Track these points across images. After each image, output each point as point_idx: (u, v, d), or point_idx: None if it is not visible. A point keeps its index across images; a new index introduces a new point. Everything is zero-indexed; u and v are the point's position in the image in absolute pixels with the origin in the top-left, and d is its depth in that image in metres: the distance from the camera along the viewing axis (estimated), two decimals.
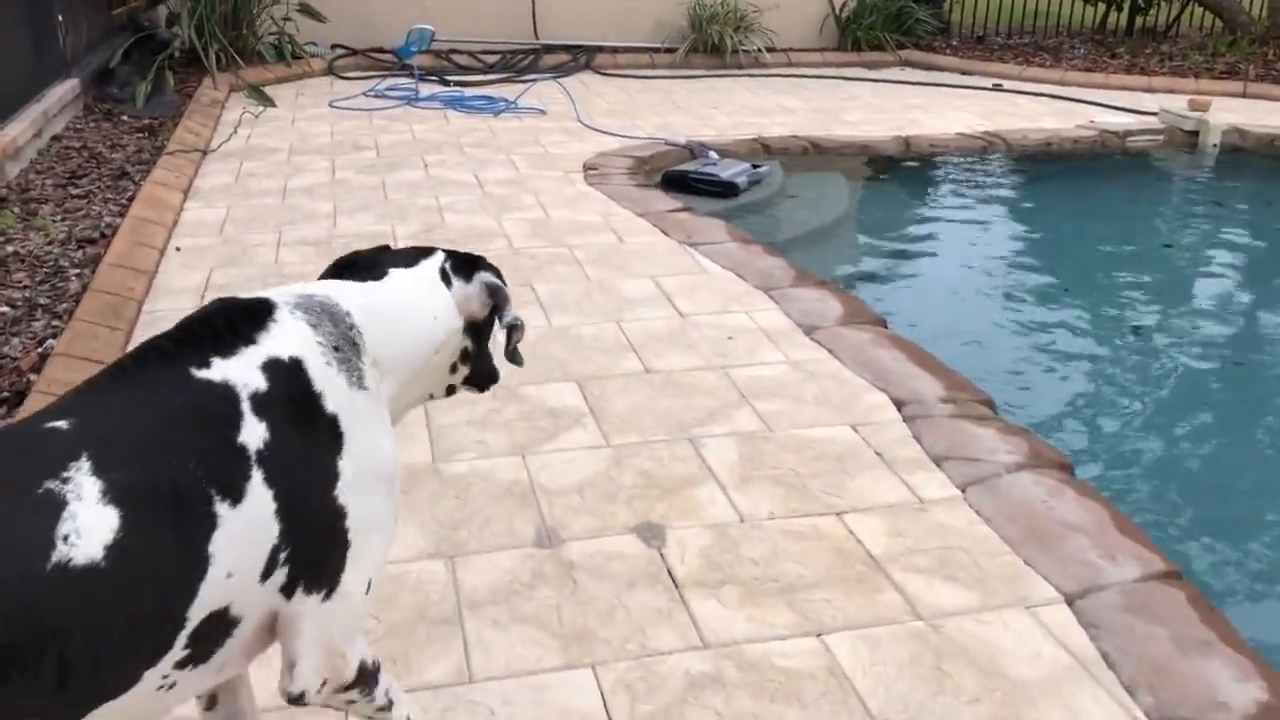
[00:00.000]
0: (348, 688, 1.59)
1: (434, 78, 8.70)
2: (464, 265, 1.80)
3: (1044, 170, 7.04)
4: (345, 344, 1.54)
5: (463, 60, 9.28)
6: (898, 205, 6.52)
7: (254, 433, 1.38)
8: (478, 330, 1.82)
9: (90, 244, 4.54)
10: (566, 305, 4.16)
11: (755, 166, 6.20)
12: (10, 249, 4.43)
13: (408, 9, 9.36)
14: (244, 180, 5.76)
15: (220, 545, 1.32)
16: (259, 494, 1.37)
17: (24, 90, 5.96)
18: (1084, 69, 9.74)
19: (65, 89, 6.44)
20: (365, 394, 1.54)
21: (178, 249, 4.70)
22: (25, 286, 4.08)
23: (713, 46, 9.73)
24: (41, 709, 1.19)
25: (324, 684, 1.54)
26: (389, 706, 1.68)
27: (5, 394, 3.27)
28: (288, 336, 1.48)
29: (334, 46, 9.21)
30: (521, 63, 9.34)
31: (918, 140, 7.15)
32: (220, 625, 1.37)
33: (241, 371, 1.41)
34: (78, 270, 4.26)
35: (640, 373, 3.60)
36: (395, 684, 1.70)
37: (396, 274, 1.73)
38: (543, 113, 7.64)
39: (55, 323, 3.78)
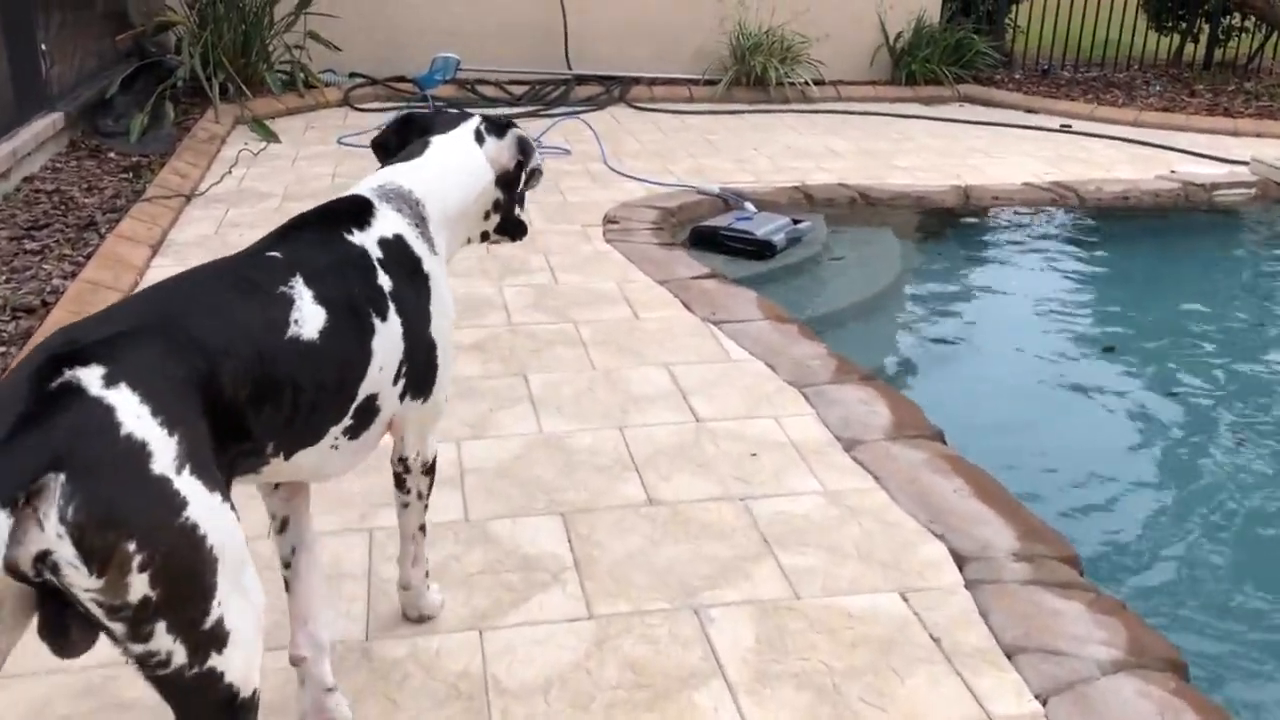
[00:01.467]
0: (426, 472, 2.26)
1: (455, 111, 8.11)
2: (494, 128, 2.29)
3: (1121, 228, 6.30)
4: (419, 220, 2.09)
5: (489, 91, 8.70)
6: (956, 270, 5.81)
7: (385, 280, 1.94)
8: (508, 182, 2.30)
9: (27, 314, 3.98)
10: (563, 403, 3.51)
11: (795, 222, 5.53)
12: None
13: (435, 35, 8.80)
14: (225, 232, 5.19)
15: (377, 346, 1.90)
16: (394, 319, 1.94)
17: None
18: (1160, 108, 8.97)
19: (44, 124, 5.92)
20: (437, 258, 2.11)
21: None
22: None
23: (756, 79, 9.08)
24: (276, 437, 1.72)
25: (417, 456, 2.23)
26: (424, 532, 2.37)
27: None
28: (389, 221, 2.03)
29: (352, 75, 8.67)
30: (551, 94, 8.74)
31: (979, 191, 6.44)
32: (370, 409, 1.92)
33: (369, 241, 1.97)
34: (3, 349, 3.69)
35: (641, 504, 2.94)
36: None
37: (437, 142, 2.23)
38: (567, 152, 7.03)
39: None
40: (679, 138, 7.64)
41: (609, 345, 3.99)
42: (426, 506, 2.32)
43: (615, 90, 8.92)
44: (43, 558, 1.32)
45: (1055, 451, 3.87)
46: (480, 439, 3.28)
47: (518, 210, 2.35)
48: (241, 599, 1.52)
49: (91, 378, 1.39)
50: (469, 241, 2.33)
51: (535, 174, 2.36)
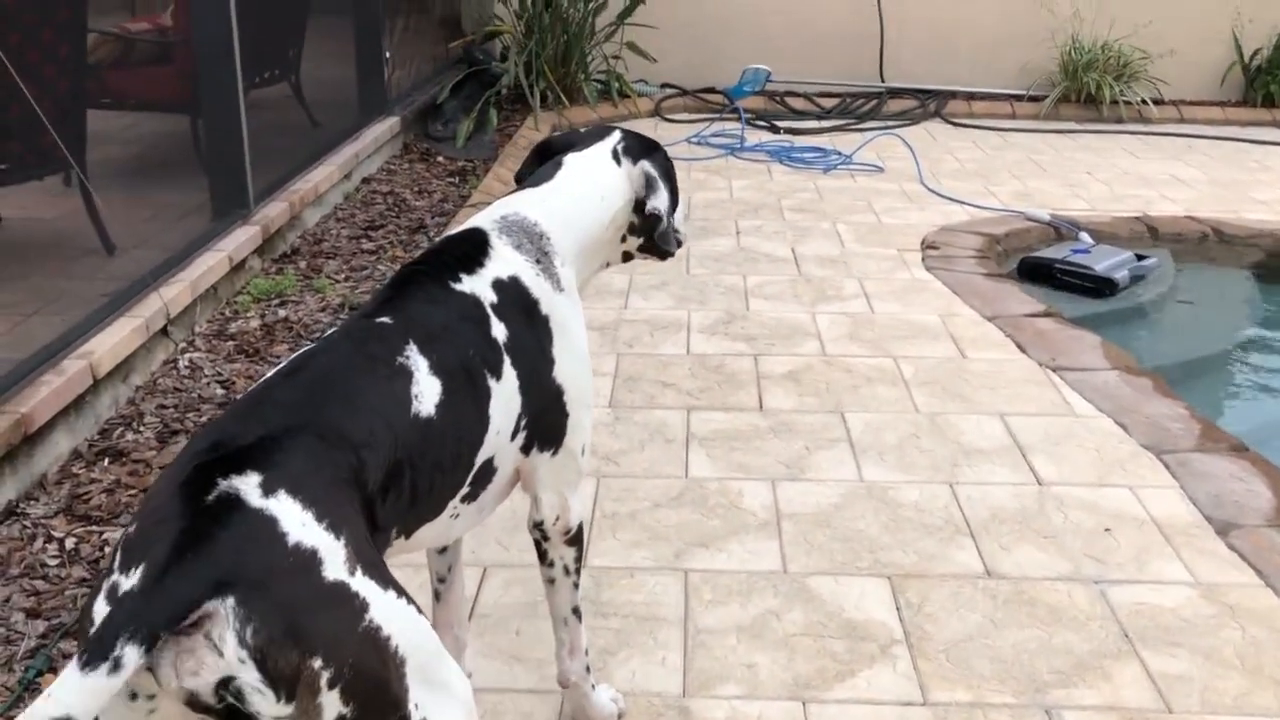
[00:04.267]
0: (569, 541, 2.01)
1: (763, 123, 8.00)
2: (634, 149, 2.09)
3: None
4: (543, 256, 1.90)
5: (798, 104, 8.51)
6: None
7: (500, 330, 1.78)
8: (642, 211, 2.09)
9: None
10: (884, 450, 3.27)
11: (1140, 258, 5.01)
12: (282, 313, 4.11)
13: (748, 47, 8.71)
14: None
15: (493, 409, 1.75)
16: (510, 374, 1.78)
17: (338, 134, 5.78)
18: None
19: (383, 128, 6.25)
20: (563, 294, 1.92)
21: None
22: (279, 361, 3.70)
23: (1088, 96, 8.41)
24: (400, 521, 1.58)
25: (556, 520, 1.98)
26: (580, 616, 2.07)
27: None
28: (504, 260, 1.85)
29: (664, 85, 8.72)
30: (862, 108, 8.45)
31: None
32: (488, 471, 1.79)
33: (481, 287, 1.80)
34: None
35: (979, 575, 2.66)
36: None
37: (570, 161, 2.05)
38: (880, 170, 6.73)
39: None
40: (1001, 157, 7.17)
41: (934, 386, 3.70)
42: (577, 585, 2.05)
43: (931, 105, 8.51)
44: (225, 684, 1.21)
45: None
46: (796, 481, 3.10)
47: (666, 225, 2.08)
48: (443, 696, 1.39)
49: (249, 487, 1.29)
50: (607, 265, 2.15)
51: (655, 220, 2.06)
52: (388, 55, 6.53)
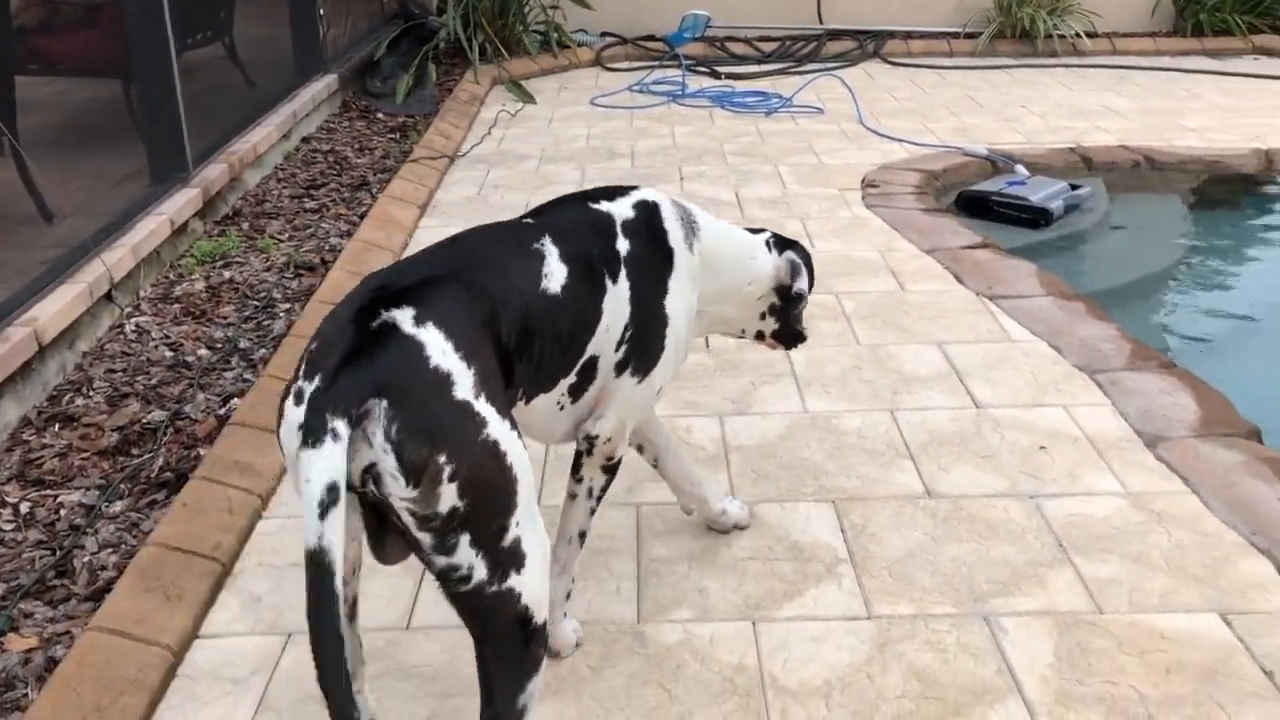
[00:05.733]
0: (606, 469, 2.18)
1: (704, 69, 8.00)
2: (781, 243, 2.43)
3: None
4: (685, 221, 2.18)
5: (738, 49, 8.53)
6: (1254, 244, 5.23)
7: (624, 244, 2.05)
8: (785, 296, 2.41)
9: (308, 271, 4.16)
10: (828, 382, 3.36)
11: (1073, 187, 5.12)
12: (227, 275, 4.11)
13: None
14: (487, 193, 5.28)
15: (606, 305, 1.99)
16: (624, 281, 2.02)
17: (275, 94, 5.73)
18: None
19: (321, 86, 6.20)
20: (690, 256, 2.16)
21: None
22: (230, 324, 3.72)
23: (1022, 31, 8.51)
24: (526, 380, 1.85)
25: (607, 441, 2.12)
26: (592, 518, 2.24)
27: (167, 474, 2.84)
28: (649, 192, 2.16)
29: (603, 35, 8.69)
30: (802, 50, 8.49)
31: None
32: (590, 371, 2.01)
33: (619, 208, 2.10)
34: (287, 305, 3.87)
35: (919, 495, 2.76)
36: None
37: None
38: (820, 112, 6.79)
39: (248, 375, 3.37)
40: (939, 95, 7.25)
41: (874, 320, 3.79)
42: (593, 512, 2.21)
43: (869, 45, 8.56)
44: (369, 469, 1.51)
45: None
46: (743, 415, 3.18)
47: (795, 323, 2.47)
48: (534, 529, 1.66)
49: (405, 318, 1.59)
50: (742, 334, 2.46)
51: (797, 299, 2.40)
52: (322, 12, 6.45)
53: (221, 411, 3.15)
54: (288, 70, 6.11)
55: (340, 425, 1.46)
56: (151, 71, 4.33)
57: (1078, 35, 8.44)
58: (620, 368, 2.06)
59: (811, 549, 2.57)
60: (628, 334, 2.03)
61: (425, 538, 1.55)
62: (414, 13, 7.98)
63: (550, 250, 1.91)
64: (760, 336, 2.47)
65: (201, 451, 2.93)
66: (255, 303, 3.88)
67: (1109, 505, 2.70)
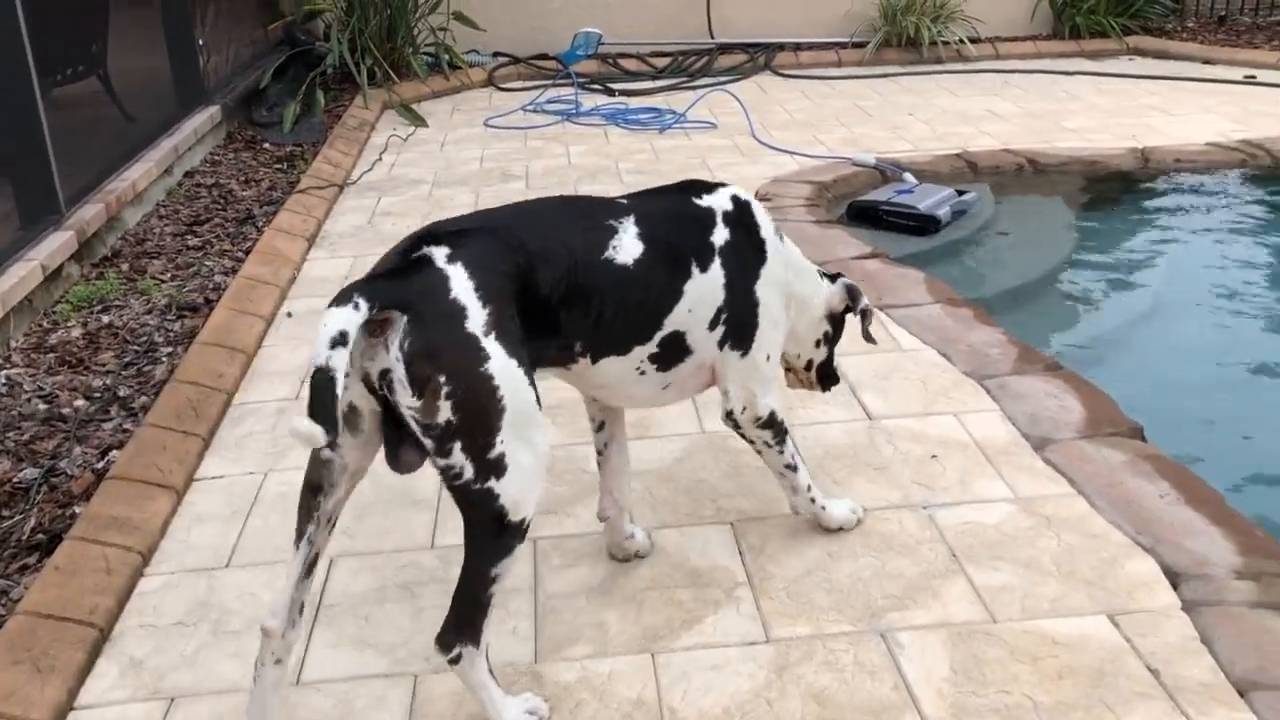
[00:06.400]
0: (762, 425, 2.46)
1: (598, 86, 8.00)
2: (829, 274, 2.63)
3: None
4: (777, 229, 2.43)
5: (631, 65, 8.55)
6: (1135, 242, 5.39)
7: (721, 235, 2.30)
8: (835, 324, 2.64)
9: (191, 312, 4.03)
10: None
11: (960, 193, 5.22)
12: (106, 319, 3.96)
13: (578, 11, 8.70)
14: (378, 222, 5.19)
15: (689, 289, 2.24)
16: (716, 269, 2.27)
17: (154, 128, 5.56)
18: None
19: (203, 118, 6.04)
20: (781, 245, 2.42)
21: (289, 314, 4.14)
22: (109, 371, 3.58)
23: (908, 39, 8.68)
24: (583, 337, 2.14)
25: (744, 410, 2.42)
26: (795, 468, 2.56)
27: (39, 536, 2.72)
28: (741, 191, 2.38)
29: (496, 54, 8.64)
30: (694, 65, 8.54)
31: (1158, 153, 5.98)
32: (680, 346, 2.27)
33: (720, 201, 2.34)
34: (170, 349, 3.74)
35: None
36: (804, 464, 2.59)
37: None
38: (713, 126, 6.83)
39: (128, 425, 3.25)
40: (829, 105, 7.35)
41: None
42: (782, 451, 2.51)
43: (760, 58, 8.65)
44: (384, 375, 1.83)
45: (1260, 444, 3.52)
46: (642, 438, 3.16)
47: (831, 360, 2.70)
48: (526, 448, 1.93)
49: (439, 254, 1.91)
50: (796, 360, 2.65)
51: (867, 314, 2.63)
52: (201, 42, 6.30)
53: (100, 465, 3.03)
54: (168, 103, 5.94)
55: (362, 301, 1.77)
56: (14, 111, 4.16)
57: (961, 41, 8.64)
58: (722, 344, 2.33)
59: (710, 574, 2.56)
60: (722, 316, 2.29)
61: (428, 442, 1.85)
62: (300, 39, 7.85)
63: (627, 229, 2.16)
64: (809, 367, 2.66)
65: (78, 509, 2.81)
66: (136, 348, 3.75)
67: (1000, 512, 2.74)
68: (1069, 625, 2.33)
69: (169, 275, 4.39)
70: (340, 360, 1.74)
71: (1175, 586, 2.44)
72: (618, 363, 2.21)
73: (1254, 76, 7.78)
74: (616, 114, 7.17)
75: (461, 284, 1.87)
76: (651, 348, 2.23)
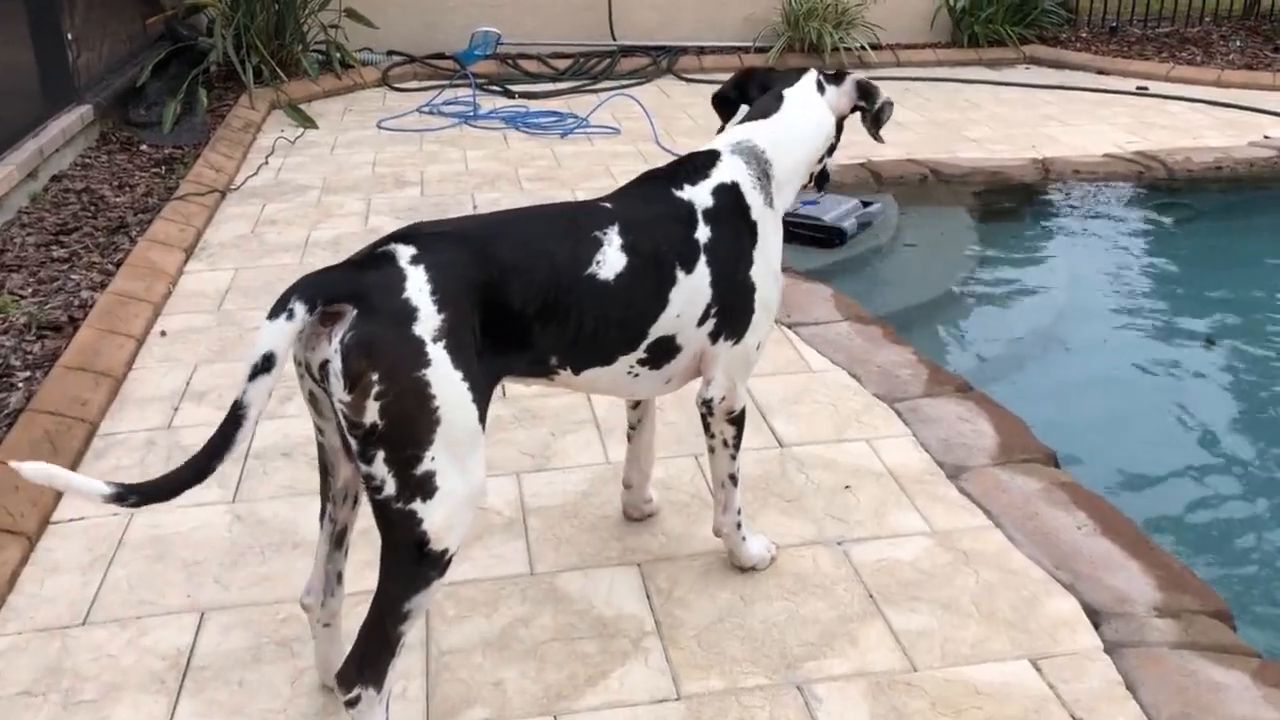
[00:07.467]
0: (731, 420, 2.40)
1: (497, 88, 7.78)
2: (834, 76, 2.46)
3: (1216, 201, 5.85)
4: (762, 176, 2.30)
5: (531, 66, 8.34)
6: (1037, 254, 5.40)
7: (704, 233, 2.21)
8: (838, 129, 2.48)
9: (54, 332, 3.72)
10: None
11: (865, 204, 5.15)
12: None
13: (474, 10, 8.46)
14: (262, 231, 4.91)
15: (675, 296, 2.17)
16: (702, 270, 2.20)
17: (18, 127, 5.18)
18: (1243, 66, 8.43)
19: (73, 118, 5.66)
20: (772, 211, 2.33)
21: (162, 333, 3.85)
22: None
23: (810, 45, 8.64)
24: (561, 351, 2.06)
25: (722, 400, 2.36)
26: (735, 483, 2.46)
27: None
28: (730, 169, 2.28)
29: (390, 53, 8.34)
30: (596, 67, 8.37)
31: (1058, 164, 6.01)
32: (669, 348, 2.22)
33: (700, 194, 2.23)
34: (28, 373, 3.44)
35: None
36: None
37: (789, 96, 2.40)
38: (616, 132, 6.67)
39: None
40: None
41: None
42: (734, 456, 2.42)
43: (663, 61, 8.52)
44: (324, 365, 1.76)
45: (1169, 466, 3.51)
46: (543, 470, 2.99)
47: (888, 112, 2.51)
48: (459, 472, 1.82)
49: (404, 253, 1.85)
50: (803, 186, 2.49)
51: (886, 108, 2.46)
52: (70, 36, 5.90)
53: None
54: (32, 101, 5.54)
55: (299, 307, 1.71)
56: None
57: (863, 48, 8.63)
58: (714, 336, 2.26)
59: (616, 622, 2.39)
60: (712, 311, 2.22)
61: (353, 443, 1.76)
62: (182, 34, 7.46)
63: (612, 240, 2.07)
64: (810, 179, 2.51)
65: None
66: None
67: (916, 546, 2.63)
68: (991, 672, 2.23)
69: (30, 291, 4.06)
70: (259, 392, 1.70)
71: (1097, 626, 2.37)
72: (604, 371, 2.16)
73: (1146, 88, 7.92)
74: (516, 117, 6.96)
75: (418, 286, 1.80)
76: (639, 354, 2.18)
